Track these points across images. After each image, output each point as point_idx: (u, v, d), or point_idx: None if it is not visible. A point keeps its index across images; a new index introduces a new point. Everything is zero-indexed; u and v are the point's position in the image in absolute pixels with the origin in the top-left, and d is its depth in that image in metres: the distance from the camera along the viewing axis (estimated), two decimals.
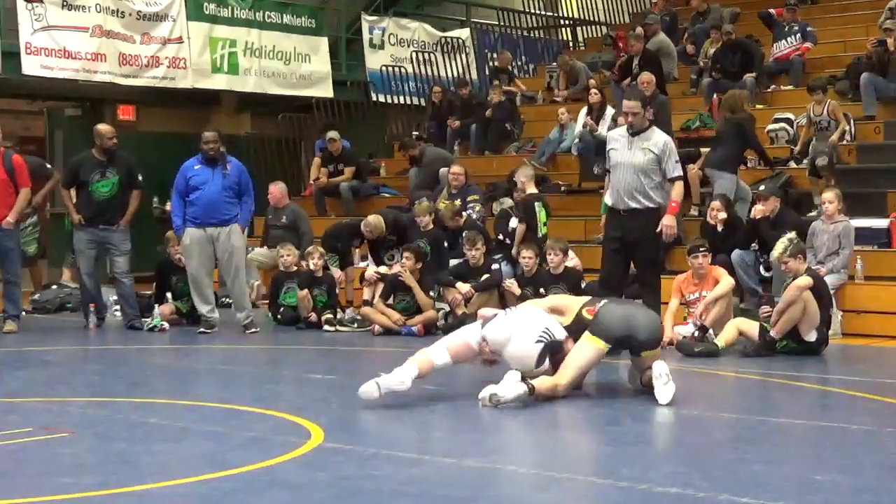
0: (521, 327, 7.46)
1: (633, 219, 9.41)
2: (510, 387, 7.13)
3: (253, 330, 11.32)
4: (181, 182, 11.41)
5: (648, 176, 9.34)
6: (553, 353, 7.41)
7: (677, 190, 9.53)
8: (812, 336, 9.38)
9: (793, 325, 9.29)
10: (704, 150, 13.14)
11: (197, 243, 11.31)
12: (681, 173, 9.59)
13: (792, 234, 9.82)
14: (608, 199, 9.62)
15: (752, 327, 9.55)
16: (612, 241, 9.61)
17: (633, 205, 9.37)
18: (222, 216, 11.34)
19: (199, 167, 11.39)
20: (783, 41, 15.97)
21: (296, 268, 12.18)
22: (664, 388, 7.16)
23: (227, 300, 12.96)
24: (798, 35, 15.85)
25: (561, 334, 7.46)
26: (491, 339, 7.47)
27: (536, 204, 11.99)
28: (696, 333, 9.81)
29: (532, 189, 12.21)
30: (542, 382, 7.26)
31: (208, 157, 11.38)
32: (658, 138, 9.48)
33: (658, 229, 9.40)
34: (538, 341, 7.37)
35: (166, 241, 12.41)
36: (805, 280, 9.26)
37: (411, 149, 15.72)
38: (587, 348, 7.38)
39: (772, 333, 9.33)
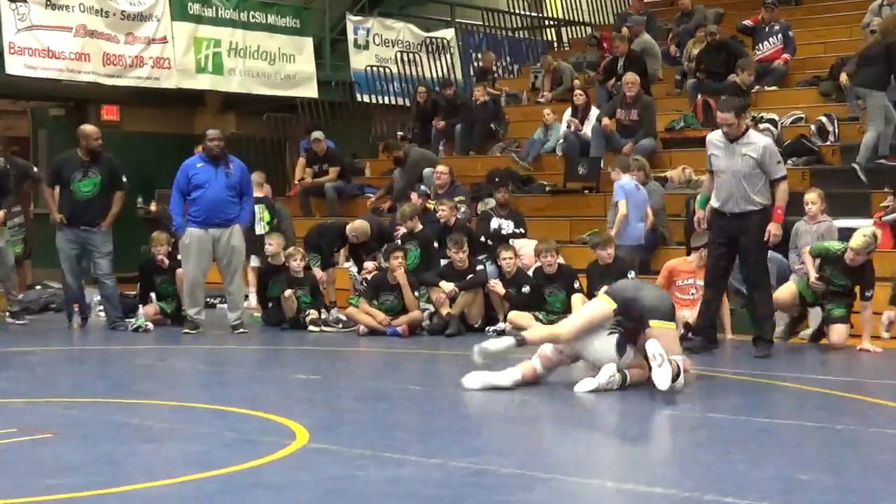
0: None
1: (740, 221, 9.42)
2: (499, 341, 7.66)
3: (241, 331, 11.27)
4: (183, 180, 11.28)
5: (751, 181, 9.30)
6: (632, 339, 7.69)
7: (781, 194, 9.47)
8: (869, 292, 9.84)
9: None
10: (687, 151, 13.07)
11: (197, 243, 11.20)
12: (784, 173, 9.49)
13: (872, 229, 10.18)
14: (714, 202, 9.56)
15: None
16: (719, 245, 9.60)
17: (738, 210, 9.39)
18: (226, 216, 11.25)
19: (202, 165, 11.27)
20: (765, 42, 15.98)
21: (282, 260, 12.07)
22: (659, 372, 7.29)
23: (211, 301, 12.94)
24: (779, 35, 15.85)
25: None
26: (570, 347, 7.84)
27: (257, 206, 12.97)
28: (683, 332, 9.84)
29: (258, 193, 13.32)
30: (535, 332, 7.76)
31: (212, 155, 11.26)
32: (757, 142, 9.38)
33: (766, 237, 9.42)
34: (610, 333, 7.69)
35: (150, 242, 12.37)
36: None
37: (395, 150, 15.72)
38: (595, 303, 7.85)
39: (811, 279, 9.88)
